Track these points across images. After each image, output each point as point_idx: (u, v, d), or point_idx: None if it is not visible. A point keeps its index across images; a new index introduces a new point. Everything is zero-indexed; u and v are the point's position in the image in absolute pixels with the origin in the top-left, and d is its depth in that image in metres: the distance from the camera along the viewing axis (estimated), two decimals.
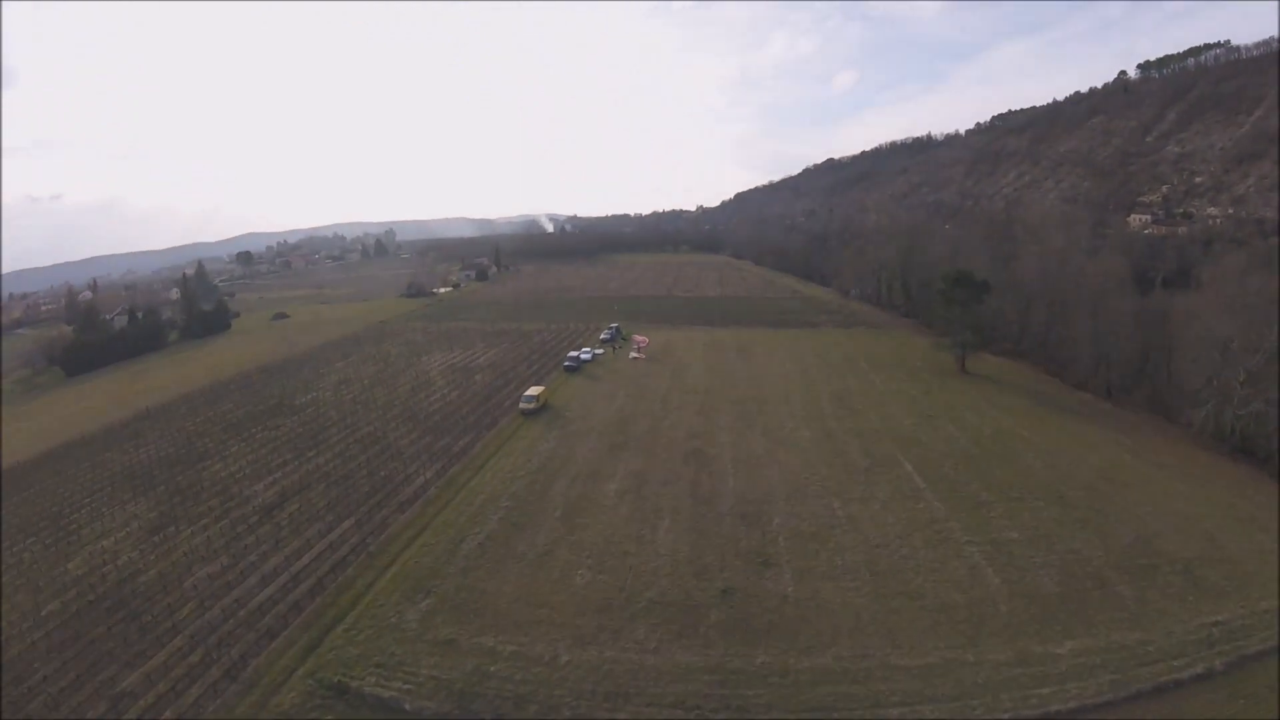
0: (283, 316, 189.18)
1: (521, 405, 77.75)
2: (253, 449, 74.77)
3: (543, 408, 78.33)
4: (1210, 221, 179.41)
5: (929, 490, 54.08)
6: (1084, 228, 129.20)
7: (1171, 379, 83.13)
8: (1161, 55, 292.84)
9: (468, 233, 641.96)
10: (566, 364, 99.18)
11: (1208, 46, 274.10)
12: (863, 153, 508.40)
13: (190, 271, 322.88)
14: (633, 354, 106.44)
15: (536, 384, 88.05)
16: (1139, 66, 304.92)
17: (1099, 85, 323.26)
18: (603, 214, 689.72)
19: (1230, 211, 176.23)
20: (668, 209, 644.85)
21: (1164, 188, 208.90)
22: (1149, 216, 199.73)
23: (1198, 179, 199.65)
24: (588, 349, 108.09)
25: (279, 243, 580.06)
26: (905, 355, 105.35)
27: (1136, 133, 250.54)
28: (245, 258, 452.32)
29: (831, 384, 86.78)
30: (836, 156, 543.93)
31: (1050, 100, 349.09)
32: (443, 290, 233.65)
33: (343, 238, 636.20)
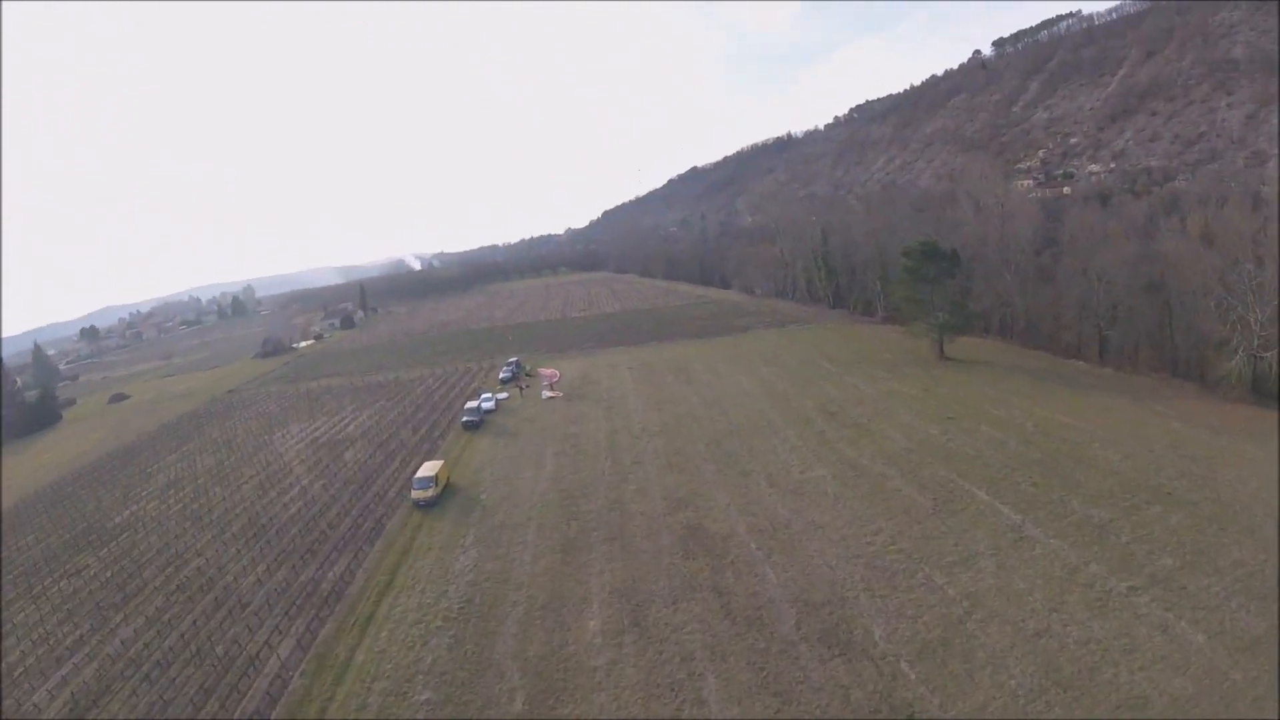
0: (121, 398, 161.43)
1: (414, 494, 54.00)
2: (43, 615, 48.02)
3: (444, 491, 55.24)
4: (1091, 178, 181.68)
5: (1030, 523, 39.11)
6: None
7: (1173, 333, 73.60)
8: (1015, 30, 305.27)
9: (334, 281, 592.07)
10: (465, 420, 75.90)
11: (1060, 18, 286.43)
12: (725, 158, 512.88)
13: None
14: (546, 393, 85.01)
15: (430, 456, 65.14)
16: (994, 44, 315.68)
17: (954, 67, 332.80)
18: (470, 247, 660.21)
19: (1113, 166, 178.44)
20: (537, 235, 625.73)
21: (1040, 152, 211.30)
22: (1031, 181, 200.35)
23: (1073, 140, 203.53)
24: (488, 394, 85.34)
25: (131, 314, 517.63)
26: (866, 348, 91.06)
27: (1002, 105, 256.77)
28: (91, 334, 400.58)
29: (809, 396, 69.62)
30: (700, 165, 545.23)
31: (907, 86, 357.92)
32: (304, 344, 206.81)
33: (198, 300, 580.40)
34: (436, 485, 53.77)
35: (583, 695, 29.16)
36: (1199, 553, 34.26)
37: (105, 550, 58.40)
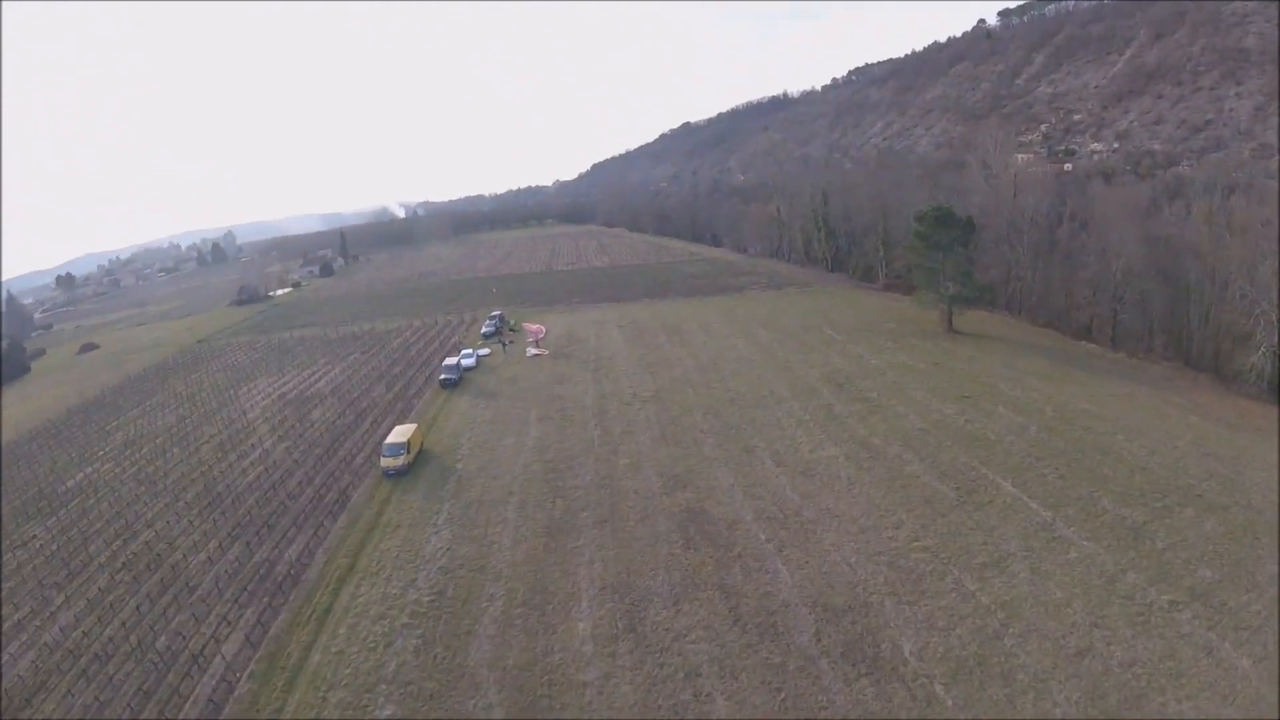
0: (91, 348, 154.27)
1: (383, 462, 49.07)
2: None
3: (417, 458, 50.57)
4: (1093, 156, 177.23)
5: (1061, 521, 35.42)
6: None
7: (1190, 322, 70.67)
8: (1022, 2, 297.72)
9: (317, 228, 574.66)
10: (443, 377, 70.74)
11: None
12: (719, 114, 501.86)
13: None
14: (530, 350, 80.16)
15: (403, 417, 60.32)
16: (999, 14, 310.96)
17: (958, 35, 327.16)
18: (456, 197, 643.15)
19: (1116, 146, 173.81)
20: (524, 186, 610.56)
21: (1043, 126, 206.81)
22: (1032, 155, 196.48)
23: (1076, 116, 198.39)
24: (468, 350, 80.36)
25: (110, 260, 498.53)
26: (870, 316, 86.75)
27: (1005, 76, 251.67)
28: (67, 282, 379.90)
29: (812, 364, 65.29)
30: (692, 120, 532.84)
31: (909, 51, 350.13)
32: (280, 292, 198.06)
33: (178, 246, 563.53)
34: (408, 452, 48.92)
35: (571, 716, 25.03)
36: (1236, 564, 31.65)
37: (55, 519, 53.57)
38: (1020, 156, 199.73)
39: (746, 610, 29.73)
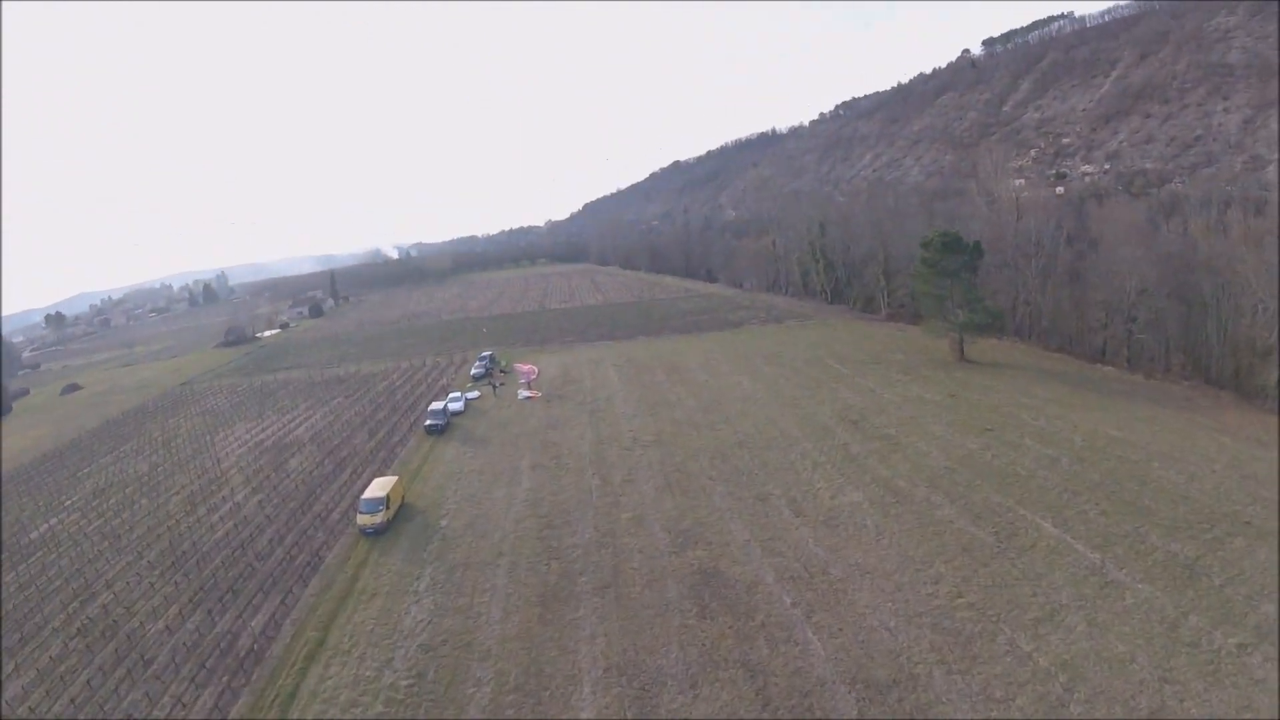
0: (74, 389, 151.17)
1: (360, 519, 44.34)
2: None
3: (398, 514, 46.32)
4: (1085, 178, 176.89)
5: (1111, 563, 32.37)
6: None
7: (1209, 339, 67.80)
8: (1006, 31, 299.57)
9: (310, 269, 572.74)
10: (429, 423, 66.26)
11: (1052, 19, 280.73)
12: (709, 152, 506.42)
13: None
14: (522, 393, 76.32)
15: (384, 468, 56.41)
16: (983, 43, 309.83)
17: (943, 66, 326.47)
18: (450, 238, 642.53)
19: (1107, 167, 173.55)
20: (516, 226, 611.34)
21: (1032, 152, 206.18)
22: (1023, 180, 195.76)
23: (1065, 140, 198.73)
24: (456, 394, 76.04)
25: (101, 300, 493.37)
26: (876, 347, 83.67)
27: (992, 104, 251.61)
28: (57, 321, 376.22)
29: (821, 400, 61.82)
30: (682, 159, 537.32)
31: (895, 84, 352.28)
32: (268, 333, 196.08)
33: (170, 287, 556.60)
34: (388, 508, 44.71)
35: None
36: None
37: (14, 574, 48.93)
38: (1011, 182, 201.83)
39: (776, 691, 25.57)
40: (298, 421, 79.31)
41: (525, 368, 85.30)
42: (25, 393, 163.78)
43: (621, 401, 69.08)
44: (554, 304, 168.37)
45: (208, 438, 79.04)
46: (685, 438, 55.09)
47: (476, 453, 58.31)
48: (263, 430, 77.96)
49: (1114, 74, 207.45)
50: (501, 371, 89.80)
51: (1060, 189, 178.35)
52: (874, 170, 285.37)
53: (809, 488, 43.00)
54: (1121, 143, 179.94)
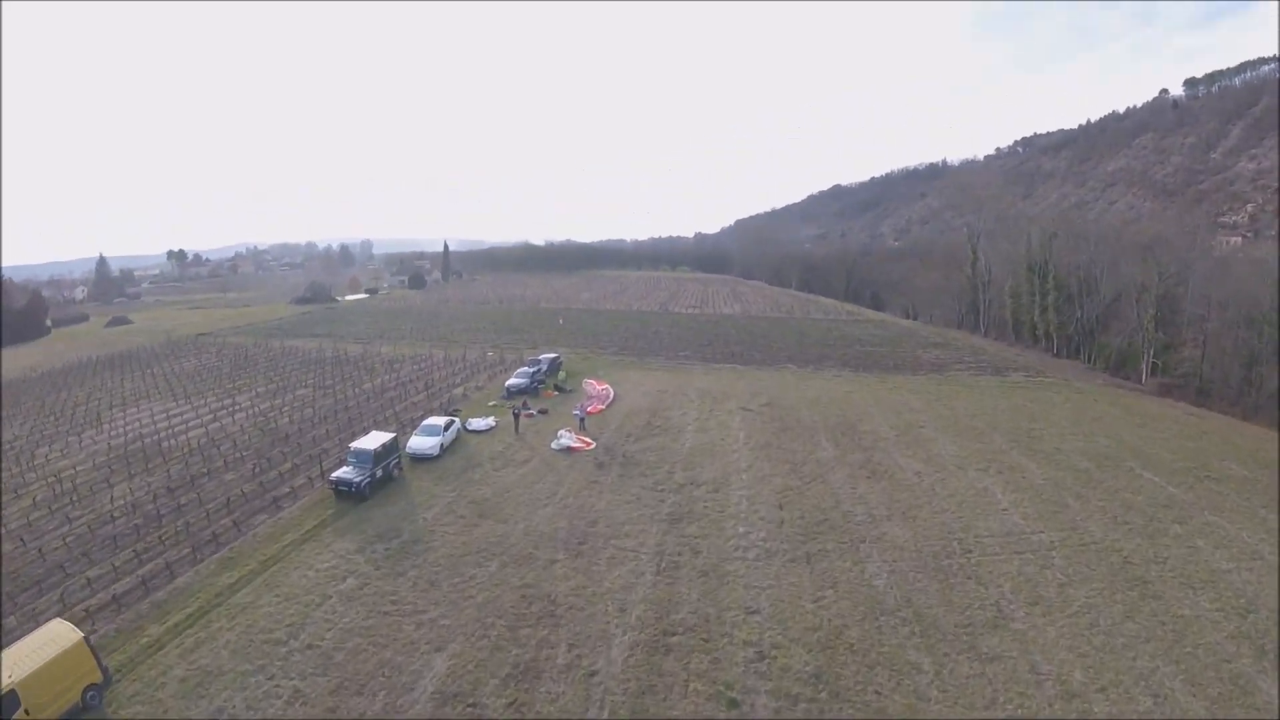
0: (121, 321, 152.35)
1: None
2: None
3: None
4: None
5: None
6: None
7: None
8: (1210, 71, 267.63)
9: (460, 250, 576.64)
10: (341, 475, 37.53)
11: (1261, 61, 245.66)
12: (872, 179, 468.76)
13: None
14: (563, 439, 45.95)
15: (218, 550, 33.59)
16: (1185, 83, 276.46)
17: (1138, 105, 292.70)
18: (599, 239, 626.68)
19: None
20: (664, 235, 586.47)
21: (1249, 206, 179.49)
22: (1239, 238, 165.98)
23: None
24: (443, 419, 46.99)
25: (248, 248, 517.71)
26: (1186, 444, 47.01)
27: (1198, 149, 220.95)
28: (179, 257, 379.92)
29: (1165, 560, 29.83)
30: (843, 183, 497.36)
31: (1083, 121, 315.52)
32: (350, 297, 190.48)
33: (314, 245, 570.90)
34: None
35: None
36: None
37: None
38: (1225, 239, 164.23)
39: None
40: (223, 412, 60.45)
41: (598, 388, 59.45)
42: (86, 318, 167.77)
43: (741, 491, 37.49)
44: (679, 308, 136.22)
45: (108, 413, 63.51)
46: (893, 638, 24.13)
47: (380, 574, 28.93)
48: (172, 415, 60.50)
49: None
50: (556, 388, 62.06)
51: None
52: (1060, 210, 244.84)
53: None
54: None
